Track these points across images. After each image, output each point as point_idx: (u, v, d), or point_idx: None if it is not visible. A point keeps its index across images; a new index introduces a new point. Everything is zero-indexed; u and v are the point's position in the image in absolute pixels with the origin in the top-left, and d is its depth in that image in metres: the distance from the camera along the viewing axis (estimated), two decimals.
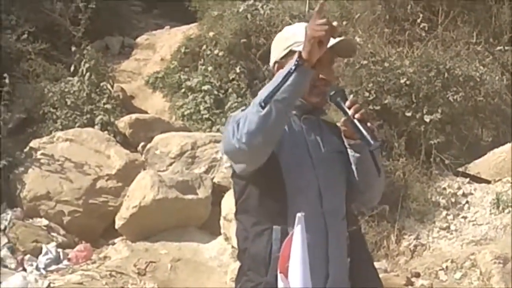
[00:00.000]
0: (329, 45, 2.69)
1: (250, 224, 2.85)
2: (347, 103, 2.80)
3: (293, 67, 2.59)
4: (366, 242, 3.14)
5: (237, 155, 2.73)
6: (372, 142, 2.73)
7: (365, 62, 7.95)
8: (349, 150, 2.92)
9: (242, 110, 2.81)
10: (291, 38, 2.91)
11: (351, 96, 6.78)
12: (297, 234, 2.52)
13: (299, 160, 2.85)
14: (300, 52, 2.62)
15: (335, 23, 2.62)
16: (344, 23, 8.91)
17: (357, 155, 2.89)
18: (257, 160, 2.73)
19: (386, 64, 8.00)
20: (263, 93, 2.65)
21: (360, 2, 9.06)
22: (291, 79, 2.59)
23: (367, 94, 7.79)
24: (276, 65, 2.94)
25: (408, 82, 7.87)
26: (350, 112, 2.78)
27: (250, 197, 2.86)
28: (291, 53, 2.85)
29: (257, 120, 2.59)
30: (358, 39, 8.31)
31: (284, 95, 2.59)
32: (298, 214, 2.53)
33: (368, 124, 2.77)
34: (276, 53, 2.96)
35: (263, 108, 2.59)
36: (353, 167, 2.93)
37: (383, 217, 7.35)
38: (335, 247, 2.83)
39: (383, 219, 7.35)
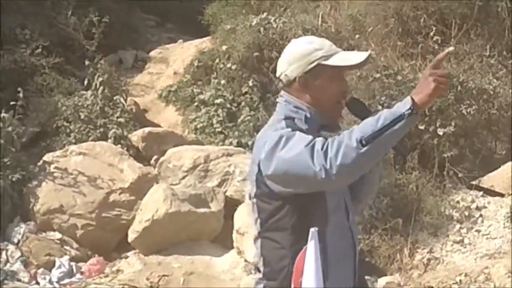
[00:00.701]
0: (359, 60, 2.86)
1: (288, 243, 2.83)
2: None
3: (407, 114, 2.58)
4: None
5: (313, 181, 2.67)
6: (405, 152, 2.91)
7: (378, 75, 7.95)
8: None
9: (292, 130, 2.78)
10: (316, 52, 2.90)
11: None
12: (311, 249, 2.51)
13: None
14: (413, 99, 2.60)
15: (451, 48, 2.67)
16: (357, 36, 8.92)
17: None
18: (325, 188, 2.74)
19: (399, 77, 8.00)
20: (364, 129, 2.61)
21: (373, 15, 9.06)
22: (400, 124, 2.58)
23: (380, 107, 7.77)
24: (299, 79, 2.90)
25: None
26: None
27: (288, 216, 2.83)
28: (319, 66, 2.87)
29: (355, 156, 2.58)
30: (371, 53, 8.30)
31: (388, 139, 2.61)
32: (312, 229, 2.54)
33: None
34: (299, 66, 2.91)
35: (363, 146, 2.57)
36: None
37: (396, 230, 7.32)
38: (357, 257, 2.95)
39: (396, 233, 7.32)
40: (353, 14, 9.32)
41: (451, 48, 2.80)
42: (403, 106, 2.59)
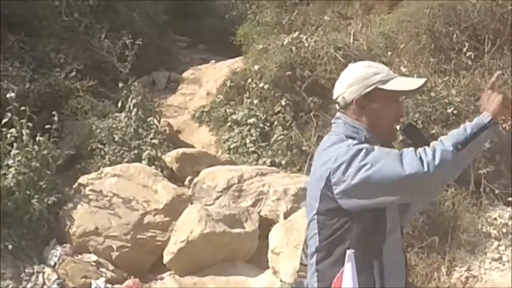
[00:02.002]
0: (415, 86, 3.03)
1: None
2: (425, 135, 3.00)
3: (489, 123, 2.93)
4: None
5: (415, 181, 2.84)
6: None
7: None
8: None
9: (366, 151, 2.89)
10: (374, 76, 3.02)
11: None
12: (348, 270, 2.52)
13: None
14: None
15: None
16: (389, 53, 8.89)
17: None
18: (424, 189, 2.95)
19: (432, 94, 7.95)
20: (456, 137, 2.92)
21: (405, 32, 9.02)
22: (484, 133, 2.92)
23: (413, 124, 7.72)
24: (357, 102, 3.02)
25: (455, 112, 7.80)
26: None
27: (350, 233, 2.92)
28: (376, 90, 2.99)
29: (451, 157, 2.85)
30: (403, 69, 8.27)
31: (476, 145, 2.93)
32: (348, 251, 2.60)
33: None
34: (358, 89, 3.01)
35: (458, 150, 2.87)
36: None
37: (433, 248, 7.24)
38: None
39: (433, 251, 7.24)
40: (384, 32, 9.30)
41: (498, 72, 3.13)
42: (483, 118, 2.94)
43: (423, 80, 3.04)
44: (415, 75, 8.22)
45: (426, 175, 2.80)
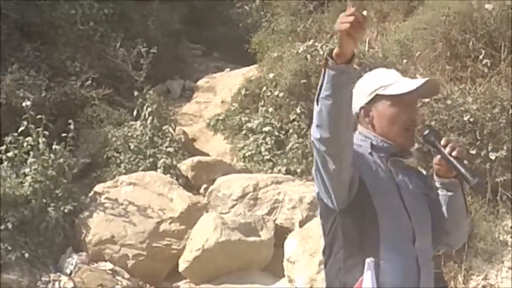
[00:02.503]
0: (413, 87, 2.89)
1: (342, 258, 2.91)
2: (442, 141, 2.86)
3: (324, 66, 2.64)
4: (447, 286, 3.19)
5: (316, 151, 2.79)
6: (471, 178, 2.77)
7: (427, 100, 7.86)
8: (440, 190, 2.97)
9: None
10: (376, 82, 3.00)
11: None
12: (367, 279, 2.51)
13: (390, 200, 2.91)
14: (332, 49, 2.64)
15: (364, 13, 2.64)
16: (405, 61, 8.86)
17: (450, 193, 2.92)
18: (331, 151, 2.73)
19: (448, 102, 7.91)
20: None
21: (420, 40, 8.99)
22: (326, 76, 2.63)
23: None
24: (362, 111, 3.01)
25: (471, 119, 7.75)
26: (446, 150, 2.84)
27: (340, 233, 2.92)
28: (377, 97, 2.97)
29: (315, 117, 2.72)
30: (419, 77, 8.24)
31: (326, 92, 2.64)
32: (368, 260, 2.56)
33: (465, 161, 2.83)
34: (361, 98, 3.00)
35: (317, 102, 2.70)
36: (443, 207, 2.97)
37: (450, 257, 7.20)
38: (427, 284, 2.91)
39: (450, 259, 7.20)
40: (400, 39, 9.27)
41: (364, 12, 2.88)
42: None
43: (424, 79, 2.96)
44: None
45: (318, 140, 2.72)
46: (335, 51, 2.61)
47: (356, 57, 7.93)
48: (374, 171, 2.93)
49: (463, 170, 2.79)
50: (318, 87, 2.68)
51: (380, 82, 2.98)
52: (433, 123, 7.74)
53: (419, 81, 2.96)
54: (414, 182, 3.00)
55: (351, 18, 2.52)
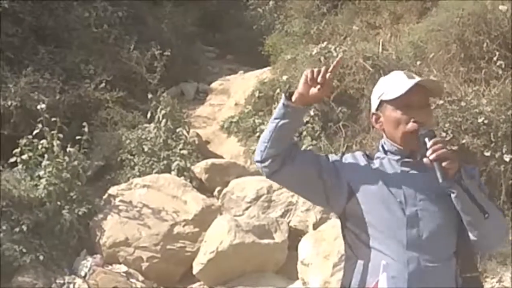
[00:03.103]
0: (406, 88, 2.89)
1: (344, 260, 3.07)
2: (430, 143, 2.82)
3: (284, 104, 2.94)
4: None
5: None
6: (440, 180, 2.74)
7: (441, 102, 7.84)
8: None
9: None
10: (381, 88, 3.04)
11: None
12: (383, 281, 2.51)
13: (384, 203, 2.92)
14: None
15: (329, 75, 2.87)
16: (418, 63, 8.83)
17: (453, 194, 2.86)
18: (262, 170, 3.03)
19: (462, 104, 7.88)
20: None
21: (434, 41, 8.97)
22: (280, 102, 2.97)
23: (444, 134, 7.66)
24: (374, 117, 3.07)
25: (486, 121, 7.72)
26: (428, 152, 2.81)
27: (344, 235, 3.05)
28: (382, 102, 3.00)
29: (261, 140, 3.02)
30: (433, 79, 8.21)
31: (272, 118, 2.97)
32: (383, 262, 2.56)
33: (445, 163, 2.77)
34: (372, 104, 3.09)
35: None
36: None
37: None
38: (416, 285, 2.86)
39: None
40: (414, 41, 9.24)
41: (340, 56, 3.05)
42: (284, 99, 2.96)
43: (415, 80, 2.94)
44: (445, 84, 8.18)
45: (259, 163, 3.02)
46: (297, 89, 2.91)
47: (369, 59, 7.82)
48: (371, 177, 2.97)
49: (436, 172, 2.77)
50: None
51: (384, 87, 3.02)
52: (447, 125, 7.72)
53: (410, 82, 2.94)
54: (432, 183, 2.90)
55: (305, 75, 2.88)
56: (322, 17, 11.13)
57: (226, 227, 7.33)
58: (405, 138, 2.95)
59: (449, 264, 2.86)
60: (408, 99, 2.91)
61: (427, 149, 2.82)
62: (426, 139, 2.84)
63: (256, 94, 10.23)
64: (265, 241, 7.38)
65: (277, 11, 12.60)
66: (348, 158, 3.07)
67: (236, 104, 10.84)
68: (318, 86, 2.87)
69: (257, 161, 3.01)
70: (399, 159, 2.99)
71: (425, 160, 2.83)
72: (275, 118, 2.94)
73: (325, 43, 9.87)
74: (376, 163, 3.02)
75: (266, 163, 2.98)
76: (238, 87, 11.43)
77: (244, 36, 14.20)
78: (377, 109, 3.04)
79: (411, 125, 2.93)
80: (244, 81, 11.49)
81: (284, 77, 9.83)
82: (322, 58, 9.35)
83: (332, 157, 3.07)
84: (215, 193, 8.52)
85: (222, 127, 10.44)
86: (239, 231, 7.31)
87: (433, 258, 2.86)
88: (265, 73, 10.96)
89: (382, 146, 3.05)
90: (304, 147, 8.86)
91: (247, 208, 7.94)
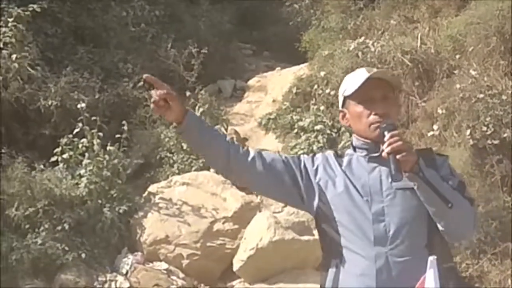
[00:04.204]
0: (361, 81, 2.96)
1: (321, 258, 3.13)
2: (387, 136, 2.82)
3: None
4: (461, 279, 3.13)
5: None
6: (392, 172, 2.77)
7: (481, 95, 7.75)
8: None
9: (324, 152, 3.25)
10: (343, 85, 3.11)
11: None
12: (430, 277, 2.52)
13: (352, 201, 2.96)
14: None
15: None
16: (457, 56, 8.74)
17: (415, 186, 2.87)
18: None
19: (503, 97, 7.78)
20: None
21: (474, 35, 8.85)
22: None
23: (484, 128, 7.58)
24: (341, 114, 3.14)
25: None
26: (384, 145, 2.82)
27: (319, 234, 3.12)
28: (345, 99, 3.08)
29: None
30: (473, 72, 8.13)
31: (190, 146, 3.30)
32: (430, 258, 2.57)
33: (399, 156, 2.78)
34: (339, 102, 3.16)
35: None
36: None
37: (506, 255, 7.09)
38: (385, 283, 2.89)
39: (507, 257, 7.09)
40: (452, 34, 9.14)
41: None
42: None
43: (366, 74, 2.98)
44: (485, 78, 8.09)
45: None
46: None
47: (407, 53, 7.72)
48: (339, 176, 3.01)
49: (391, 165, 2.77)
50: None
51: (346, 83, 3.08)
52: (488, 119, 7.63)
53: (364, 75, 2.99)
54: (398, 178, 2.91)
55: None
56: (359, 12, 11.05)
57: (266, 223, 7.33)
58: (369, 131, 2.99)
59: (420, 257, 2.83)
60: (367, 93, 2.98)
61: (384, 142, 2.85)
62: (386, 132, 2.85)
63: (294, 90, 10.21)
64: (305, 237, 7.37)
65: (313, 7, 12.54)
66: (318, 158, 3.12)
67: (273, 101, 10.83)
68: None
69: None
70: (366, 154, 3.03)
71: (383, 153, 2.84)
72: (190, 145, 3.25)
73: (362, 38, 9.82)
74: (344, 162, 3.07)
75: (221, 173, 3.20)
76: (275, 84, 11.42)
77: (281, 33, 14.18)
78: (342, 106, 3.10)
79: (372, 118, 2.97)
80: (281, 78, 11.47)
81: (322, 73, 9.80)
82: (359, 53, 9.31)
83: (304, 158, 3.13)
84: None
85: (260, 124, 10.44)
86: (279, 228, 7.31)
87: (402, 252, 2.89)
88: (302, 69, 10.93)
89: (351, 143, 3.11)
90: (342, 143, 8.84)
91: (286, 205, 7.92)
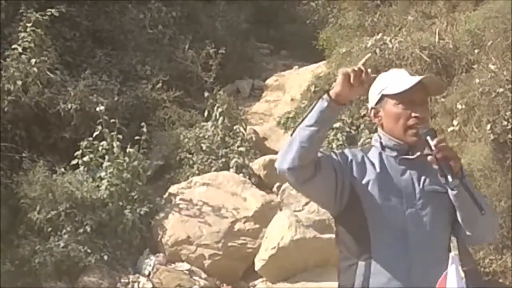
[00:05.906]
0: (412, 83, 2.94)
1: (340, 260, 3.07)
2: (434, 141, 2.83)
3: (317, 99, 2.90)
4: (482, 280, 3.15)
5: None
6: (450, 180, 2.74)
7: (501, 90, 7.70)
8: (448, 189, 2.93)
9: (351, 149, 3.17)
10: (382, 83, 3.09)
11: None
12: (452, 273, 2.51)
13: (385, 200, 2.95)
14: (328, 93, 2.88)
15: (369, 70, 2.87)
16: (476, 51, 8.69)
17: (453, 192, 2.88)
18: (293, 179, 2.92)
19: None
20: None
21: (492, 29, 8.80)
22: (316, 107, 2.88)
23: (505, 123, 7.53)
24: (373, 111, 3.13)
25: None
26: (434, 150, 2.82)
27: (340, 235, 3.07)
28: (383, 97, 3.05)
29: (284, 147, 2.92)
30: (492, 67, 8.07)
31: (306, 122, 2.87)
32: (451, 254, 2.59)
33: (452, 162, 2.79)
34: (371, 100, 3.13)
35: (291, 136, 2.92)
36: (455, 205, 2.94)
37: None
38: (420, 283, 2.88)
39: None
40: (471, 29, 9.08)
41: (369, 55, 3.11)
42: (322, 101, 2.89)
43: (419, 77, 2.99)
44: (504, 72, 8.03)
45: (281, 170, 2.91)
46: (335, 89, 2.86)
47: (426, 49, 7.72)
48: (371, 175, 2.99)
49: (445, 171, 2.76)
50: (300, 121, 2.91)
51: (385, 82, 3.07)
52: (508, 113, 7.58)
53: (416, 78, 3.00)
54: (430, 180, 2.99)
55: (353, 69, 2.86)
56: (376, 8, 11.00)
57: (287, 222, 7.33)
58: (406, 133, 2.98)
59: (444, 261, 2.86)
60: (411, 95, 2.97)
61: (430, 148, 2.83)
62: (428, 138, 2.85)
63: (312, 88, 10.19)
64: (326, 235, 7.35)
65: (330, 4, 12.51)
66: (348, 155, 3.08)
67: (292, 100, 10.81)
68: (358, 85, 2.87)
69: (288, 169, 2.88)
70: (397, 155, 3.03)
71: (429, 158, 2.83)
72: (315, 123, 2.87)
73: (380, 34, 9.78)
74: (374, 160, 3.05)
75: (298, 171, 2.89)
76: (293, 83, 11.40)
77: (298, 31, 14.17)
78: (376, 104, 3.08)
79: (412, 120, 2.97)
80: (299, 76, 11.45)
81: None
82: (377, 50, 9.27)
83: (335, 155, 3.09)
84: (274, 189, 8.53)
85: (278, 123, 10.43)
86: (300, 226, 7.31)
87: (433, 256, 2.91)
88: (320, 67, 10.91)
89: (380, 142, 3.08)
90: (362, 140, 8.82)
91: (306, 203, 7.90)
